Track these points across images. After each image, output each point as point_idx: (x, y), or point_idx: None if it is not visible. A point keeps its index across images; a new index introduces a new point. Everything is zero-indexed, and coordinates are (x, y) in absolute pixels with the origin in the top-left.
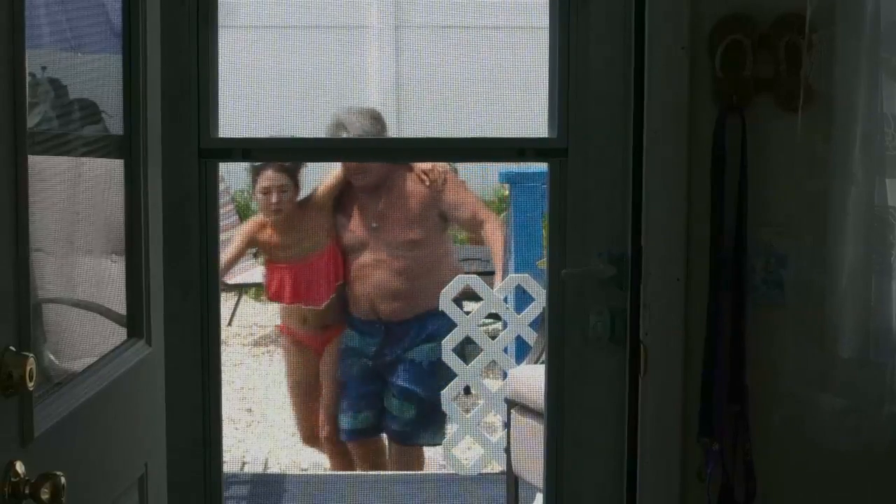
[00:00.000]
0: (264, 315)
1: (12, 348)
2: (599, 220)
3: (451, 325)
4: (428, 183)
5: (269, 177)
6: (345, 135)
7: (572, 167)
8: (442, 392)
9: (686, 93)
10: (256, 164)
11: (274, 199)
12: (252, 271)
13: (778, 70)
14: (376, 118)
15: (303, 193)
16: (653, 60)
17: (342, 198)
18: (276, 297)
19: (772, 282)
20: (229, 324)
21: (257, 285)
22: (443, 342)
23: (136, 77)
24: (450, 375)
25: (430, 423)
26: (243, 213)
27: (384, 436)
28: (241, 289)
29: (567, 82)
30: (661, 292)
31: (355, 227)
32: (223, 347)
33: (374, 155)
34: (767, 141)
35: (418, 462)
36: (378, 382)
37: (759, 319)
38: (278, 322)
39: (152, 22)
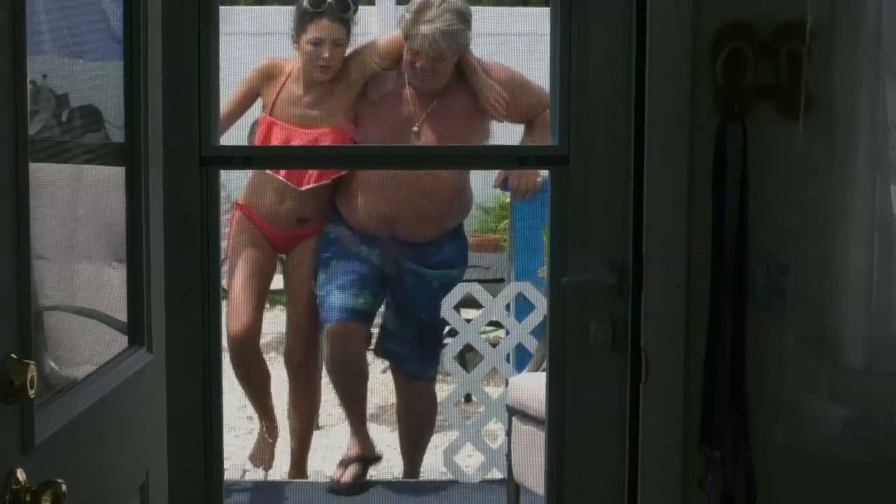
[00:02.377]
0: (265, 322)
1: (13, 356)
2: (600, 228)
3: (464, 252)
4: (497, 116)
5: (324, 26)
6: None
7: (573, 175)
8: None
9: (687, 100)
10: (310, 9)
11: (326, 53)
12: None
13: (779, 77)
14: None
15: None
16: (654, 68)
17: (385, 77)
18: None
19: (773, 289)
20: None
21: None
22: (443, 350)
23: (137, 84)
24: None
25: (425, 350)
26: None
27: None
28: None
29: (568, 90)
30: (662, 300)
31: (390, 122)
32: (224, 354)
33: (375, 161)
34: (769, 148)
35: (426, 396)
36: (380, 271)
37: (760, 327)
38: (236, 197)
39: (153, 28)
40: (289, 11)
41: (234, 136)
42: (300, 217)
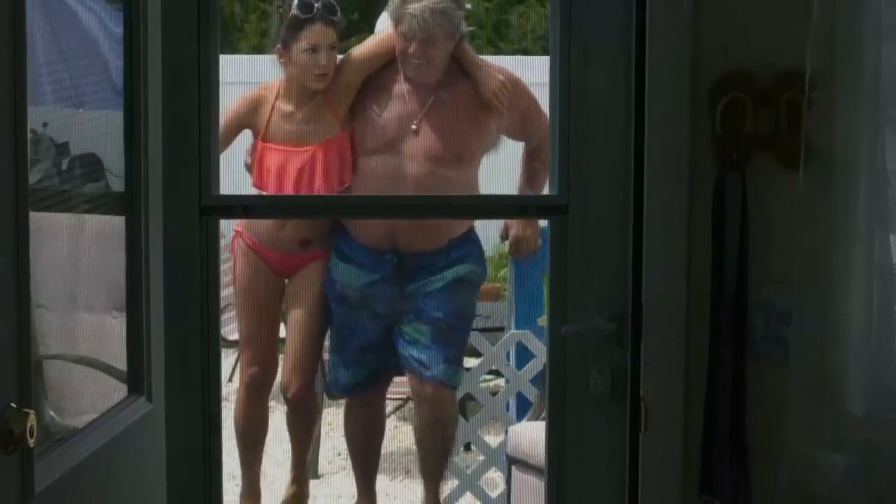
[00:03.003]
0: None
1: (13, 405)
2: (600, 278)
3: (479, 251)
4: (498, 109)
5: (317, 31)
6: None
7: (573, 224)
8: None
9: (686, 150)
10: (300, 15)
11: (323, 60)
12: None
13: (778, 127)
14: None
15: None
16: (653, 118)
17: (379, 77)
18: (259, 185)
19: (772, 339)
20: (230, 380)
21: None
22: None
23: (137, 133)
24: (472, 298)
25: (447, 353)
26: None
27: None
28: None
29: (568, 140)
30: (661, 350)
31: (388, 121)
32: (224, 403)
33: (376, 211)
34: (768, 198)
35: (442, 403)
36: (385, 323)
37: (760, 376)
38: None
39: (153, 78)
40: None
41: (233, 188)
42: (303, 239)
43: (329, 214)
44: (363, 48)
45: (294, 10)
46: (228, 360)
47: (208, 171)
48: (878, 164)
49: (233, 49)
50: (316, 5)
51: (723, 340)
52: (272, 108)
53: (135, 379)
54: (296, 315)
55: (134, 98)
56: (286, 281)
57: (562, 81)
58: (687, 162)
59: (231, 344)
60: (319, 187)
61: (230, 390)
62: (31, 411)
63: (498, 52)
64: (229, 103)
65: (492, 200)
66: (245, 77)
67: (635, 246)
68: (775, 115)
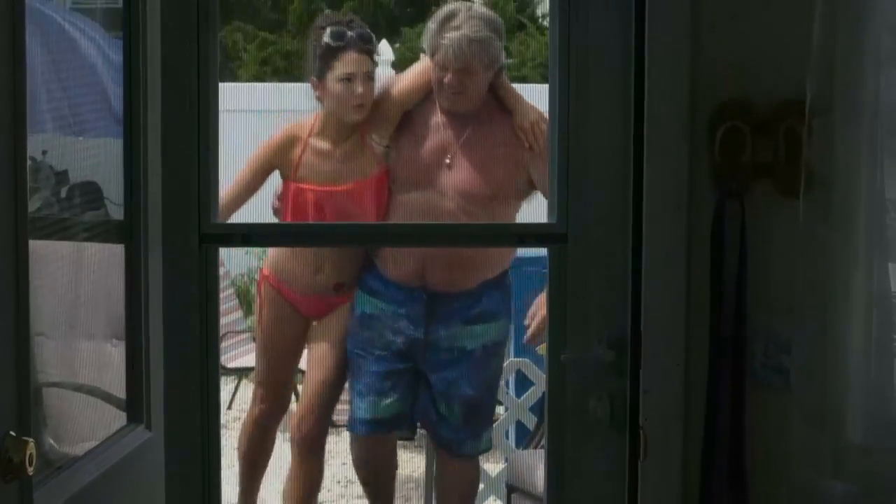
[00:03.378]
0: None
1: (12, 433)
2: (599, 306)
3: (507, 304)
4: (527, 146)
5: (352, 59)
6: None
7: (572, 253)
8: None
9: (685, 178)
10: (332, 44)
11: (359, 88)
12: (253, 355)
13: (777, 156)
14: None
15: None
16: (652, 146)
17: (415, 108)
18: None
19: (771, 367)
20: (229, 407)
21: None
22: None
23: (136, 161)
24: (500, 362)
25: (477, 428)
26: (243, 297)
27: (422, 433)
28: (241, 373)
29: (566, 168)
30: (660, 377)
31: (423, 155)
32: (223, 431)
33: (373, 240)
34: (767, 226)
35: (468, 476)
36: (410, 360)
37: (759, 404)
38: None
39: (153, 106)
40: (287, 88)
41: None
42: (337, 283)
43: (330, 243)
44: (402, 81)
45: (326, 39)
46: (227, 387)
47: (207, 200)
48: (878, 193)
49: (233, 77)
50: (349, 33)
51: (722, 368)
52: (304, 147)
53: (134, 407)
54: (318, 353)
55: (133, 126)
56: (313, 323)
57: (561, 109)
58: (686, 190)
59: (230, 371)
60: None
61: (229, 418)
62: (31, 439)
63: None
64: (256, 150)
65: (490, 229)
66: (245, 105)
67: (634, 274)
68: (774, 144)
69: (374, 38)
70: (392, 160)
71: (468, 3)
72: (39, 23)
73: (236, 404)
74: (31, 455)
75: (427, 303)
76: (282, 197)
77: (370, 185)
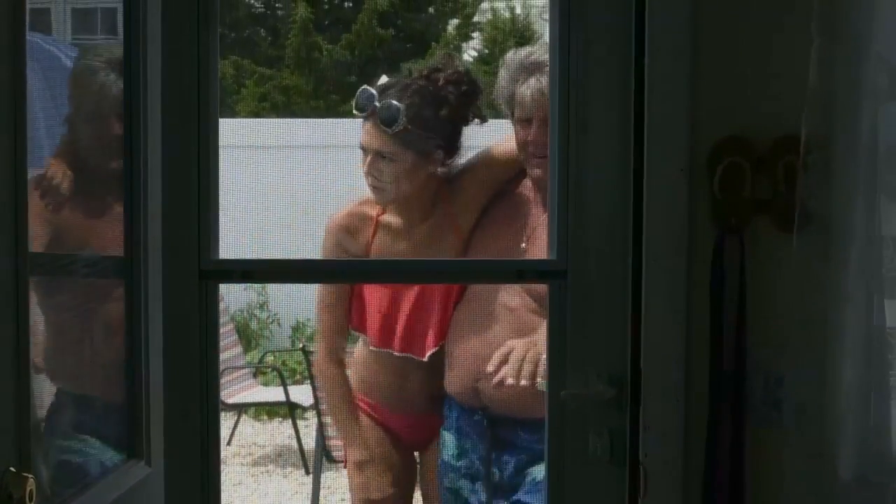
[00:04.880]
0: (264, 434)
1: (12, 469)
2: (599, 342)
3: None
4: None
5: (366, 131)
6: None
7: (572, 289)
8: None
9: (685, 215)
10: (356, 112)
11: (367, 166)
12: (252, 391)
13: (776, 192)
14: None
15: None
16: (651, 182)
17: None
18: (360, 326)
19: (772, 403)
20: (228, 443)
21: (257, 405)
22: None
23: (136, 200)
24: None
25: None
26: (242, 333)
27: None
28: (240, 408)
29: (566, 205)
30: (660, 413)
31: (497, 241)
32: (223, 467)
33: (372, 276)
34: (767, 262)
35: None
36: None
37: (759, 440)
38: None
39: (153, 142)
40: (284, 123)
41: (231, 252)
42: (434, 395)
43: (329, 280)
44: (488, 156)
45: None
46: (227, 422)
47: (207, 235)
48: (874, 229)
49: (232, 112)
50: (375, 105)
51: (722, 404)
52: (375, 226)
53: (134, 443)
54: (430, 491)
55: (134, 159)
56: (417, 456)
57: (561, 145)
58: (686, 226)
59: (229, 407)
60: (437, 323)
61: (228, 454)
62: (31, 476)
63: (497, 115)
64: (324, 239)
65: (491, 266)
66: (244, 141)
67: (634, 310)
68: (773, 180)
69: (402, 120)
70: (473, 243)
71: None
72: (39, 58)
73: (235, 440)
74: (31, 491)
75: (488, 427)
76: (352, 303)
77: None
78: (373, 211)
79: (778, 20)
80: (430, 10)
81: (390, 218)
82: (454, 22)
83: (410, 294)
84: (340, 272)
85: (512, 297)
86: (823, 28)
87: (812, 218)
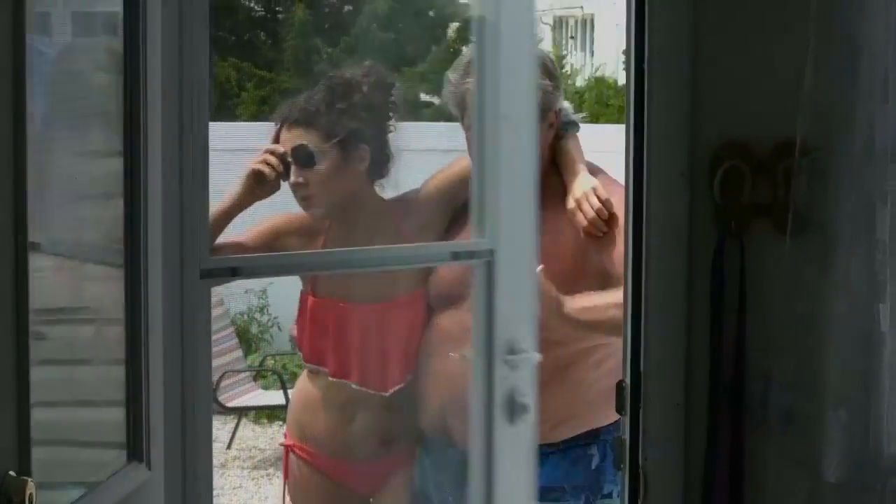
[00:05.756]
0: (264, 438)
1: (12, 473)
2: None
3: (578, 480)
4: (585, 223)
5: (283, 140)
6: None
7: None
8: None
9: (685, 219)
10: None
11: (292, 177)
12: (252, 394)
13: (776, 195)
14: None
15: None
16: (652, 186)
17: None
18: (312, 359)
19: (771, 407)
20: (228, 447)
21: (257, 408)
22: None
23: (137, 200)
24: None
25: None
26: (243, 336)
27: None
28: (240, 412)
29: None
30: (660, 418)
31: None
32: (223, 471)
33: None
34: (767, 266)
35: None
36: None
37: (758, 444)
38: (281, 437)
39: (153, 145)
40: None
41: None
42: (384, 438)
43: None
44: (437, 177)
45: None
46: (227, 426)
47: (204, 236)
48: (870, 233)
49: (232, 116)
50: (291, 111)
51: (722, 408)
52: (326, 240)
53: (133, 446)
54: None
55: (134, 161)
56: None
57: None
58: (686, 230)
59: (229, 411)
60: (392, 366)
61: (229, 457)
62: (30, 479)
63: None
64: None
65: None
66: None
67: (634, 314)
68: (773, 184)
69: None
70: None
71: None
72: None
73: (235, 443)
74: (31, 495)
75: (458, 464)
76: (297, 318)
77: (412, 303)
78: (325, 226)
79: (778, 24)
80: (430, 13)
81: (334, 244)
82: (454, 25)
83: (369, 320)
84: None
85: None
86: (818, 31)
87: (807, 221)
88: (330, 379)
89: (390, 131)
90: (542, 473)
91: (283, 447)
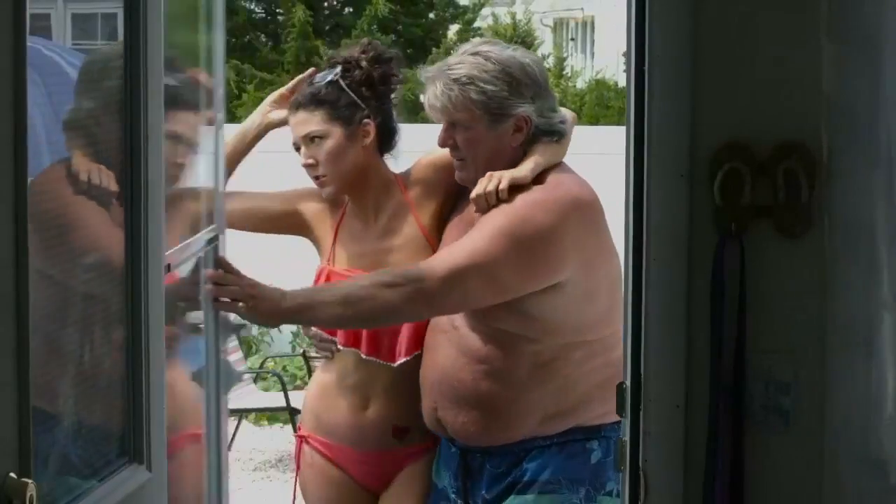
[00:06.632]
0: (264, 440)
1: (13, 475)
2: None
3: (574, 474)
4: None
5: (291, 126)
6: None
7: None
8: None
9: (685, 220)
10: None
11: (302, 159)
12: (252, 396)
13: (776, 197)
14: None
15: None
16: (652, 188)
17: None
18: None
19: (771, 408)
20: (229, 449)
21: (257, 410)
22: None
23: (137, 200)
24: None
25: None
26: (243, 338)
27: None
28: (240, 413)
29: None
30: (661, 419)
31: (456, 231)
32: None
33: None
34: (767, 267)
35: None
36: None
37: (759, 446)
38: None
39: (153, 145)
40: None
41: None
42: (395, 426)
43: None
44: (433, 154)
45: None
46: (228, 428)
47: None
48: (875, 235)
49: (232, 118)
50: (302, 96)
51: (722, 409)
52: (342, 215)
53: (134, 447)
54: None
55: (134, 161)
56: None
57: None
58: (686, 231)
59: (230, 412)
60: (402, 338)
61: (229, 459)
62: (31, 481)
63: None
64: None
65: None
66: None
67: (634, 315)
68: (773, 185)
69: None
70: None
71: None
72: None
73: (236, 445)
74: (31, 497)
75: (459, 459)
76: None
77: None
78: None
79: (778, 26)
80: (431, 15)
81: (351, 218)
82: (455, 27)
83: None
84: None
85: (454, 316)
86: (834, 34)
87: (813, 223)
88: (340, 347)
89: (394, 104)
90: (536, 466)
91: (297, 438)
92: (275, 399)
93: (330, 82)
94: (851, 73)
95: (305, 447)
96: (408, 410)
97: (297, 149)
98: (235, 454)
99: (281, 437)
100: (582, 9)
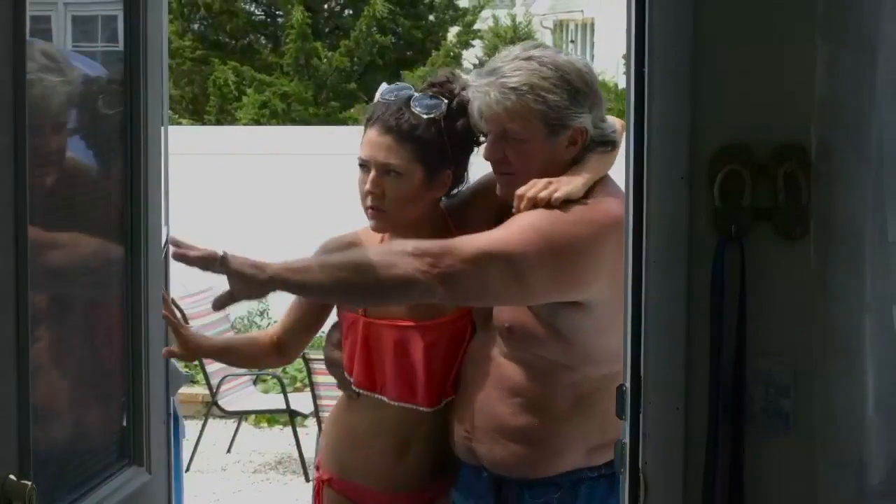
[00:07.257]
0: (264, 442)
1: (13, 477)
2: None
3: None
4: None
5: (368, 140)
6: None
7: None
8: None
9: (685, 223)
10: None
11: (368, 185)
12: (251, 398)
13: (776, 199)
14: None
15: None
16: (651, 191)
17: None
18: (369, 386)
19: (772, 411)
20: (228, 451)
21: (257, 412)
22: None
23: (137, 201)
24: None
25: None
26: None
27: None
28: (240, 416)
29: None
30: (660, 421)
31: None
32: (222, 475)
33: None
34: (767, 270)
35: None
36: None
37: (758, 448)
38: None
39: (153, 145)
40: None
41: None
42: (435, 464)
43: None
44: (483, 184)
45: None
46: (227, 430)
47: None
48: (883, 236)
49: (232, 120)
50: (385, 106)
51: (722, 412)
52: None
53: (134, 449)
54: None
55: (134, 161)
56: None
57: None
58: (686, 234)
59: (230, 415)
60: (436, 384)
61: (229, 461)
62: (30, 483)
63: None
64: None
65: None
66: (245, 148)
67: (634, 317)
68: (773, 188)
69: (424, 120)
70: None
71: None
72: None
73: (235, 447)
74: (31, 498)
75: (492, 490)
76: (336, 332)
77: (458, 322)
78: (371, 239)
79: (778, 28)
80: (431, 17)
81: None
82: (454, 30)
83: (419, 334)
84: None
85: (488, 345)
86: (829, 35)
87: (814, 225)
88: (393, 404)
89: (473, 153)
90: (590, 498)
91: (316, 479)
92: (274, 401)
93: (432, 120)
94: (846, 74)
95: (328, 490)
96: (447, 448)
97: (363, 165)
98: (235, 456)
99: (280, 440)
100: (582, 11)
